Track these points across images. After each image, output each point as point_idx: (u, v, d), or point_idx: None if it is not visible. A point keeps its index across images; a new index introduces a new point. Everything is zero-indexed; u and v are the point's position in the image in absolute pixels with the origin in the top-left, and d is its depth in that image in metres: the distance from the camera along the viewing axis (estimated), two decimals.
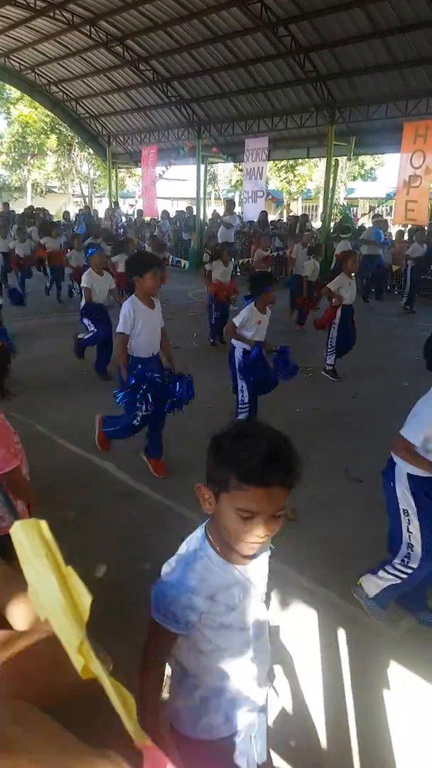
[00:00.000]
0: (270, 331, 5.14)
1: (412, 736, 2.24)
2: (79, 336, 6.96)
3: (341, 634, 2.78)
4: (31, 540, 0.88)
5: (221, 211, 18.50)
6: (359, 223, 18.82)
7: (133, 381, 3.98)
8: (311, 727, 2.28)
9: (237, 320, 4.89)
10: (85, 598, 0.90)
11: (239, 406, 5.06)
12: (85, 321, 6.82)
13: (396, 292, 13.35)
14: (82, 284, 6.75)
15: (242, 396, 5.00)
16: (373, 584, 2.85)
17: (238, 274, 8.10)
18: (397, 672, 2.56)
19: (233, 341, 5.05)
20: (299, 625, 2.84)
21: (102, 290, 6.77)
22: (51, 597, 0.87)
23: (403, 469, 2.64)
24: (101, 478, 4.35)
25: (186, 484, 4.17)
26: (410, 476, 2.62)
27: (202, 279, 8.67)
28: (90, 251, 7.13)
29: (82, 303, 6.80)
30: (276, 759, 2.12)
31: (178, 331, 7.92)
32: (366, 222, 20.50)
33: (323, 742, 2.23)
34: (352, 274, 6.85)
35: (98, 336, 6.65)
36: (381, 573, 2.81)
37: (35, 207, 21.33)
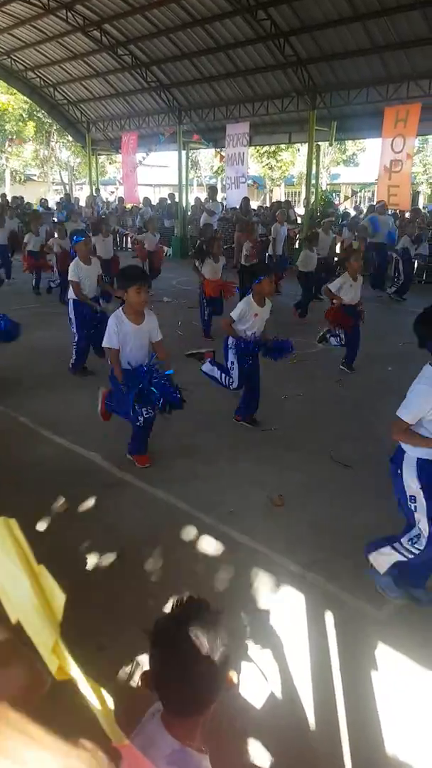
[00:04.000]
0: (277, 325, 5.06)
1: (399, 717, 2.29)
2: (71, 364, 6.46)
3: (328, 617, 2.81)
4: (1, 539, 0.86)
5: (203, 197, 18.36)
6: (342, 208, 18.82)
7: (131, 392, 3.93)
8: (300, 710, 2.32)
9: (234, 313, 4.77)
10: (58, 598, 0.88)
11: (222, 385, 5.03)
12: (72, 322, 6.39)
13: (395, 280, 13.20)
14: (70, 277, 6.35)
15: (232, 381, 4.94)
16: (383, 559, 2.89)
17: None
18: (384, 653, 2.60)
19: None
20: (287, 608, 2.87)
21: (91, 281, 6.41)
22: (23, 597, 0.85)
23: (412, 455, 2.66)
24: (87, 469, 4.34)
25: (170, 473, 4.22)
26: (419, 461, 2.65)
27: (193, 272, 8.48)
28: (76, 239, 6.61)
29: (70, 295, 6.38)
30: (266, 742, 2.16)
31: (164, 321, 7.87)
32: (349, 207, 20.49)
33: (312, 724, 2.26)
34: (357, 275, 6.46)
35: (81, 343, 6.34)
36: (388, 549, 2.85)
37: (7, 195, 20.72)
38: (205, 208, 15.17)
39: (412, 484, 2.68)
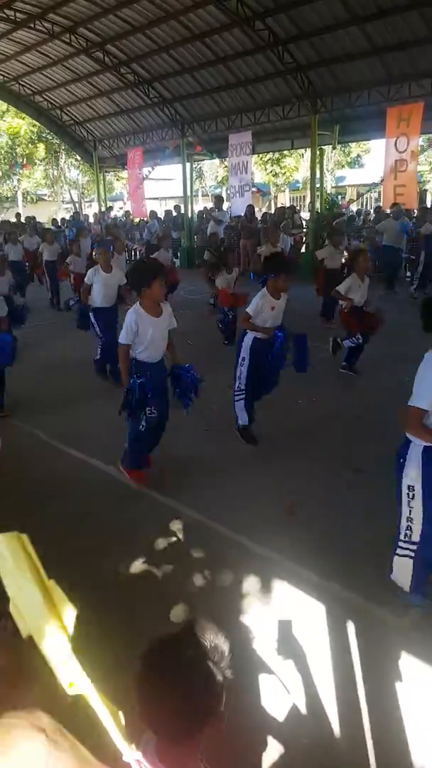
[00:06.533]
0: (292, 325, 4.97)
1: (427, 730, 2.24)
2: (96, 358, 6.70)
3: (350, 627, 2.78)
4: (14, 553, 0.88)
5: (209, 207, 18.47)
6: (348, 209, 18.78)
7: (133, 384, 3.96)
8: (324, 723, 2.28)
9: (250, 308, 4.70)
10: (69, 613, 0.90)
11: (235, 392, 4.94)
12: (95, 324, 6.58)
13: (407, 280, 13.06)
14: (85, 280, 6.52)
15: (239, 382, 4.87)
16: (401, 574, 2.87)
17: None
18: (408, 663, 2.56)
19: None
20: (307, 619, 2.84)
21: (109, 289, 6.47)
22: (34, 612, 0.87)
23: (418, 444, 2.66)
24: (102, 481, 4.38)
25: (183, 484, 4.24)
26: (426, 450, 2.63)
27: (203, 279, 8.55)
28: (95, 247, 6.96)
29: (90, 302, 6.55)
30: (289, 757, 2.13)
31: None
32: (354, 208, 20.45)
33: (337, 738, 2.22)
34: (365, 275, 6.42)
35: (107, 342, 6.45)
36: (396, 559, 2.86)
37: (22, 215, 21.12)
38: (212, 217, 15.29)
39: (411, 471, 2.68)
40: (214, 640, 1.17)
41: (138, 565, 3.30)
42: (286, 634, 2.67)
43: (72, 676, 0.96)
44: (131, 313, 4.00)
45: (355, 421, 5.39)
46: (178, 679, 1.09)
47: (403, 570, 2.86)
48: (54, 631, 0.92)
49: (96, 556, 3.37)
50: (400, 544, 2.83)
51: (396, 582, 2.91)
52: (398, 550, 2.85)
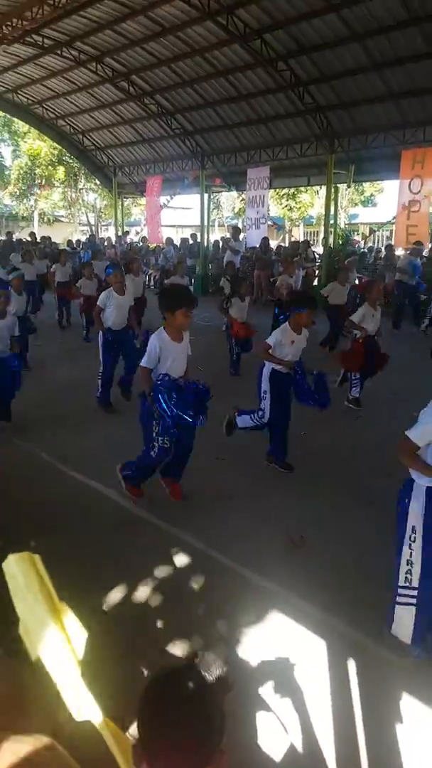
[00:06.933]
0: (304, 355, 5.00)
1: None
2: (97, 395, 6.60)
3: (351, 664, 2.73)
4: (25, 574, 0.86)
5: (227, 236, 18.73)
6: (359, 246, 19.05)
7: (157, 393, 3.89)
8: (321, 763, 2.23)
9: (270, 340, 4.75)
10: (80, 636, 0.88)
11: (257, 424, 4.94)
12: (100, 351, 6.54)
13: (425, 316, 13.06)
14: (98, 302, 6.52)
15: (262, 414, 4.87)
16: (402, 626, 2.76)
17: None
18: (409, 704, 2.50)
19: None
20: (307, 655, 2.79)
21: (121, 311, 6.48)
22: (44, 634, 0.85)
23: (421, 483, 2.62)
24: (104, 506, 4.35)
25: (187, 511, 4.21)
26: (428, 490, 2.61)
27: (218, 309, 8.65)
28: (108, 270, 6.90)
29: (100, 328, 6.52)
30: None
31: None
32: (366, 244, 20.73)
33: None
34: (377, 304, 6.58)
35: (105, 373, 6.49)
36: (397, 609, 2.76)
37: (37, 235, 21.34)
38: (229, 246, 15.53)
39: (415, 513, 2.64)
40: (218, 674, 1.14)
41: (137, 594, 3.25)
42: (285, 671, 2.62)
43: (80, 701, 0.93)
44: (154, 337, 4.03)
45: (362, 455, 5.38)
46: (180, 715, 1.06)
47: (404, 621, 2.75)
48: (63, 655, 0.90)
49: (93, 583, 3.31)
50: (400, 591, 2.73)
51: (397, 636, 2.79)
52: (398, 598, 2.74)
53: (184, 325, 4.05)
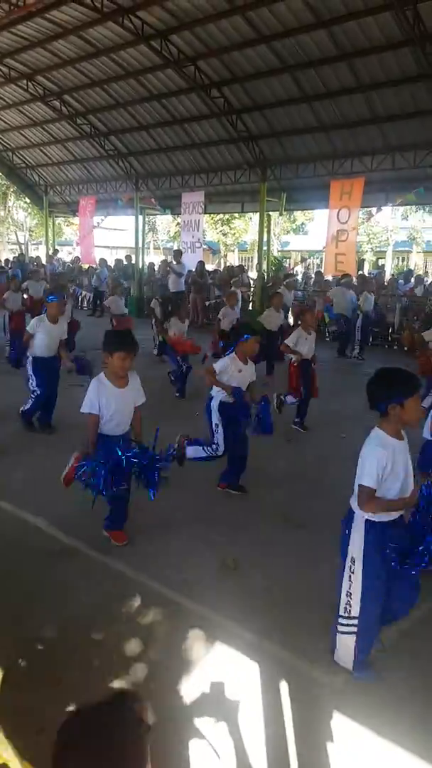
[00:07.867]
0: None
1: None
2: (22, 409, 6.28)
3: (283, 687, 2.68)
4: None
5: (159, 261, 18.75)
6: (293, 272, 19.57)
7: (101, 459, 3.57)
8: None
9: (217, 366, 4.71)
10: None
11: (209, 455, 4.81)
12: (30, 380, 6.18)
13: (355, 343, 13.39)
14: (27, 327, 6.27)
15: (216, 447, 4.75)
16: (346, 653, 2.75)
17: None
18: (340, 723, 2.49)
19: (212, 390, 4.77)
20: (240, 678, 2.72)
21: (51, 341, 6.20)
22: None
23: (361, 516, 2.63)
24: (32, 535, 4.09)
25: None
26: (368, 523, 2.61)
27: (157, 331, 8.49)
28: (50, 298, 6.51)
29: (29, 352, 6.21)
30: None
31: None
32: (300, 270, 21.36)
33: None
34: (311, 329, 6.69)
35: (41, 397, 6.17)
36: (338, 637, 2.76)
37: None
38: (172, 268, 15.49)
39: (355, 545, 2.64)
40: (138, 711, 1.08)
41: (66, 628, 3.05)
42: (218, 696, 2.56)
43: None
44: (94, 381, 3.80)
45: (297, 479, 5.35)
46: (95, 750, 1.01)
47: (345, 649, 2.75)
48: None
49: (19, 618, 3.10)
50: (341, 620, 2.74)
51: (339, 663, 2.79)
52: (339, 627, 2.75)
53: (123, 370, 3.77)
